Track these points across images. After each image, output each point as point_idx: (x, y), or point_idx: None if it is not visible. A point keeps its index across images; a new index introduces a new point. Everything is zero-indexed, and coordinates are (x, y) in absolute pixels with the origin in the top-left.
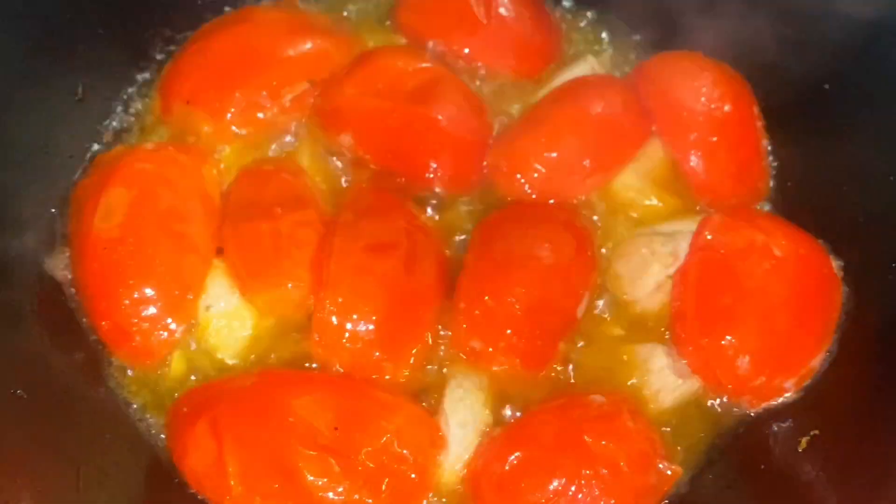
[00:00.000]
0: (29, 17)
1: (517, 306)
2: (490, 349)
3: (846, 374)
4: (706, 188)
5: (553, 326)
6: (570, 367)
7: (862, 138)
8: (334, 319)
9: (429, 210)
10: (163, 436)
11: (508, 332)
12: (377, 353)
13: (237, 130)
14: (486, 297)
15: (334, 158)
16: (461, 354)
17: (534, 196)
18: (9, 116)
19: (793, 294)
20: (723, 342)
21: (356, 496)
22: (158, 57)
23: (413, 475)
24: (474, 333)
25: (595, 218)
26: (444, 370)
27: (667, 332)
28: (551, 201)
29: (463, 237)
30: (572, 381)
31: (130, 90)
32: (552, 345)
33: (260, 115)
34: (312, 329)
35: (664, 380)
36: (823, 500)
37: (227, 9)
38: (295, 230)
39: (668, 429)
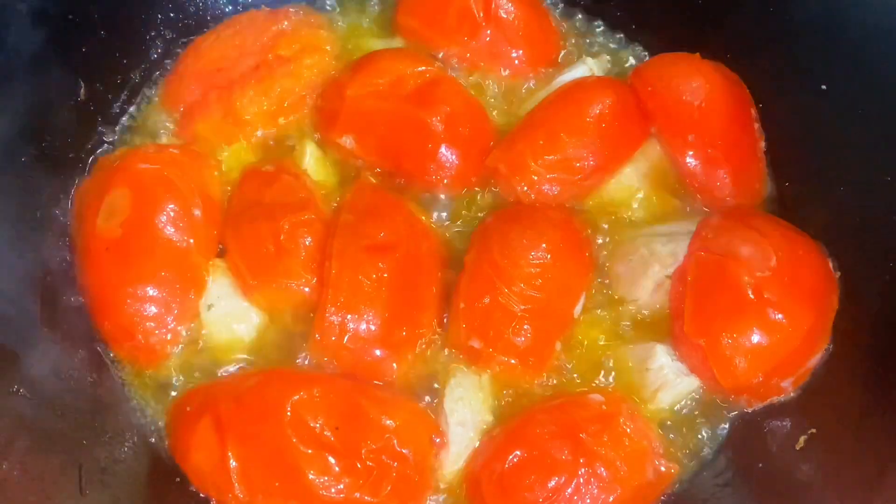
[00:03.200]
0: (31, 19)
1: (516, 307)
2: (489, 349)
3: (844, 374)
4: (704, 189)
5: (551, 326)
6: (569, 366)
7: (860, 139)
8: (335, 319)
9: (429, 210)
10: (165, 434)
11: (507, 332)
12: (378, 353)
13: (237, 129)
14: (486, 298)
15: (335, 160)
16: (461, 354)
17: (532, 197)
18: (10, 118)
19: (790, 294)
20: (721, 342)
21: (357, 495)
22: (160, 59)
23: (413, 474)
24: (474, 333)
25: (593, 219)
26: (445, 370)
27: (666, 332)
28: (550, 202)
29: (462, 237)
30: (571, 380)
31: (132, 92)
32: (550, 344)
33: (259, 109)
34: (313, 329)
35: (663, 379)
36: (821, 498)
37: (228, 10)
38: (296, 230)
39: (667, 428)
